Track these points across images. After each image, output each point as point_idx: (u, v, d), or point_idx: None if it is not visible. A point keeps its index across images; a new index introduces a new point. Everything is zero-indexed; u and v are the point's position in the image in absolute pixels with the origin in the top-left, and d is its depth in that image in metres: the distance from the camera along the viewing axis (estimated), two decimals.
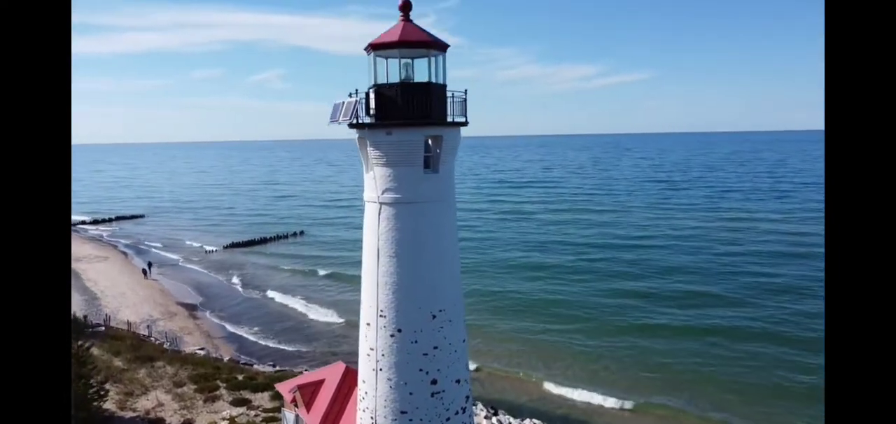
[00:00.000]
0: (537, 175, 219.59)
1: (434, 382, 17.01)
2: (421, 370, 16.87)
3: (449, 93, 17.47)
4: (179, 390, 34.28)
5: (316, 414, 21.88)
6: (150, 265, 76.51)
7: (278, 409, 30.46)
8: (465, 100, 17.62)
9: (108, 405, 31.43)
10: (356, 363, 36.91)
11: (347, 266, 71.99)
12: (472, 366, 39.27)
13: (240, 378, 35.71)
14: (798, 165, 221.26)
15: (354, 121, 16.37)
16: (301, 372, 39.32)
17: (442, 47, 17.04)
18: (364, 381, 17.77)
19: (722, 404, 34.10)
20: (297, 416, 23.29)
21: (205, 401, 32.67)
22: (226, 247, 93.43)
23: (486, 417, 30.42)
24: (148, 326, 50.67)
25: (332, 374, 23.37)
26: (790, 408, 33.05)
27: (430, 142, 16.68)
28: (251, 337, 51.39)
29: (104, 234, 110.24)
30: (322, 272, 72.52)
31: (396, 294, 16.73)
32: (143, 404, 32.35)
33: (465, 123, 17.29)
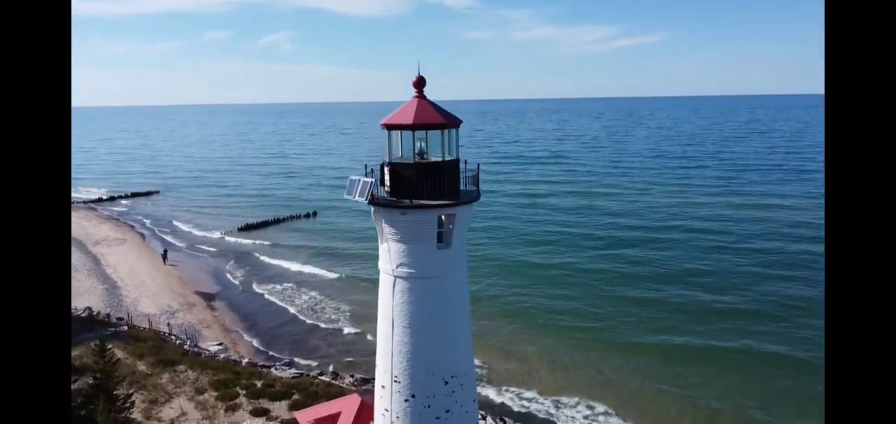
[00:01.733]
0: (549, 146, 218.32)
1: None
2: None
3: (462, 163, 17.87)
4: (201, 397, 35.83)
5: None
6: (165, 253, 78.26)
7: (292, 416, 31.85)
8: (478, 174, 18.02)
9: (135, 414, 33.04)
10: (366, 369, 37.97)
11: (360, 261, 72.98)
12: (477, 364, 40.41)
13: (258, 384, 37.15)
14: (818, 136, 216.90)
15: (370, 200, 16.85)
16: (317, 376, 40.82)
17: (455, 124, 17.34)
18: None
19: None
20: None
21: (226, 411, 34.17)
22: (240, 229, 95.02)
23: None
24: (168, 322, 52.30)
25: (347, 408, 24.43)
26: None
27: (443, 217, 17.14)
28: (267, 332, 52.98)
29: (121, 213, 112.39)
30: (335, 261, 73.84)
31: (410, 362, 17.50)
32: (167, 413, 33.93)
33: (477, 198, 17.69)
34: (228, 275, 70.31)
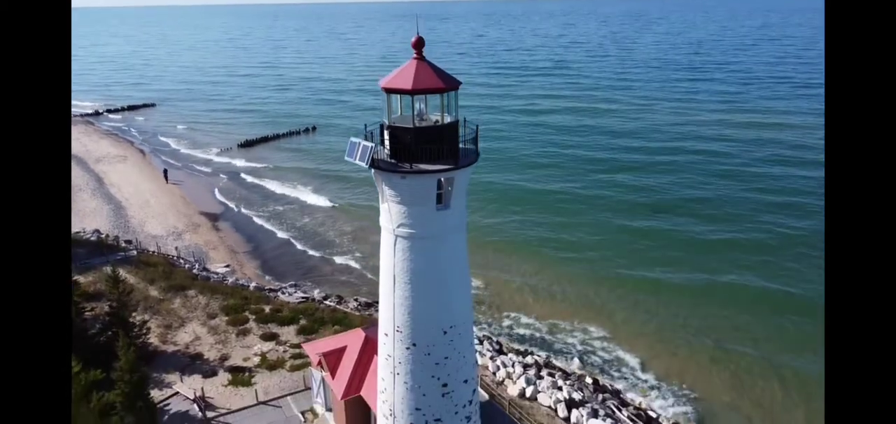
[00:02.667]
0: (553, 54, 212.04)
1: (445, 385, 19.29)
2: (433, 376, 19.08)
3: (462, 121, 17.92)
4: (213, 321, 37.70)
5: (340, 381, 24.73)
6: (166, 172, 78.66)
7: (301, 346, 33.88)
8: (476, 136, 18.09)
9: (152, 339, 34.98)
10: (368, 292, 39.51)
11: (360, 183, 73.16)
12: (474, 285, 42.08)
13: (267, 309, 38.93)
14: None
15: (370, 163, 17.06)
16: (322, 301, 42.62)
17: (454, 86, 17.20)
18: (383, 378, 20.10)
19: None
20: (323, 378, 26.29)
21: (237, 335, 36.10)
22: (239, 146, 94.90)
23: (491, 358, 33.61)
24: (176, 247, 53.64)
25: (353, 342, 25.89)
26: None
27: (442, 180, 17.43)
28: (272, 255, 54.61)
29: (118, 128, 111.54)
30: (335, 181, 74.36)
31: (411, 314, 18.48)
32: (182, 337, 35.86)
33: (475, 160, 17.86)
34: (231, 196, 71.12)
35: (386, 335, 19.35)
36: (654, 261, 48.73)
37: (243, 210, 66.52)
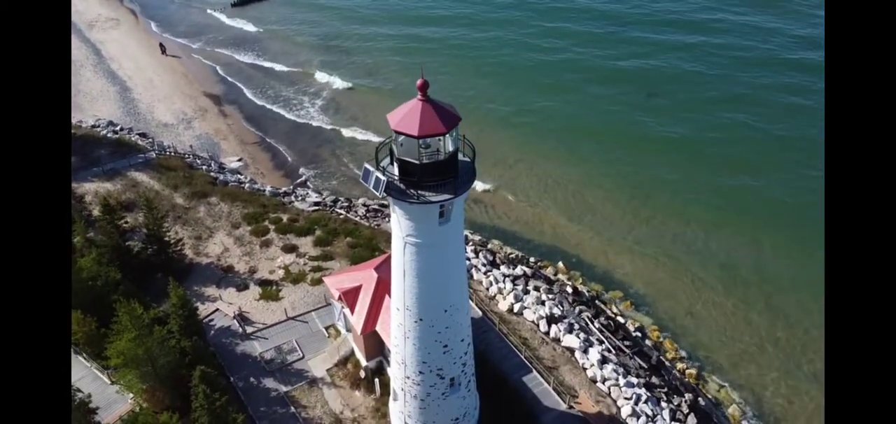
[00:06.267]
0: None
1: (445, 346, 23.95)
2: (436, 340, 23.65)
3: (461, 140, 20.26)
4: (237, 232, 41.87)
5: (358, 318, 29.56)
6: (163, 46, 77.37)
7: (320, 257, 38.66)
8: (473, 160, 20.47)
9: (187, 251, 39.46)
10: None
11: (363, 55, 72.42)
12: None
13: (284, 219, 42.92)
14: None
15: (385, 193, 19.73)
16: (332, 208, 46.49)
17: (455, 124, 19.21)
18: (395, 337, 24.72)
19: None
20: (343, 309, 31.12)
21: (260, 246, 40.52)
22: (233, 5, 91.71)
23: (485, 273, 38.35)
24: (191, 145, 55.78)
25: (367, 281, 30.17)
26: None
27: (444, 203, 20.21)
28: (280, 142, 57.35)
29: None
30: (336, 51, 73.70)
31: (418, 297, 22.47)
32: (213, 249, 40.26)
33: (471, 185, 20.44)
34: (232, 72, 71.26)
35: (397, 310, 23.53)
36: (649, 163, 49.84)
37: (246, 90, 67.28)
